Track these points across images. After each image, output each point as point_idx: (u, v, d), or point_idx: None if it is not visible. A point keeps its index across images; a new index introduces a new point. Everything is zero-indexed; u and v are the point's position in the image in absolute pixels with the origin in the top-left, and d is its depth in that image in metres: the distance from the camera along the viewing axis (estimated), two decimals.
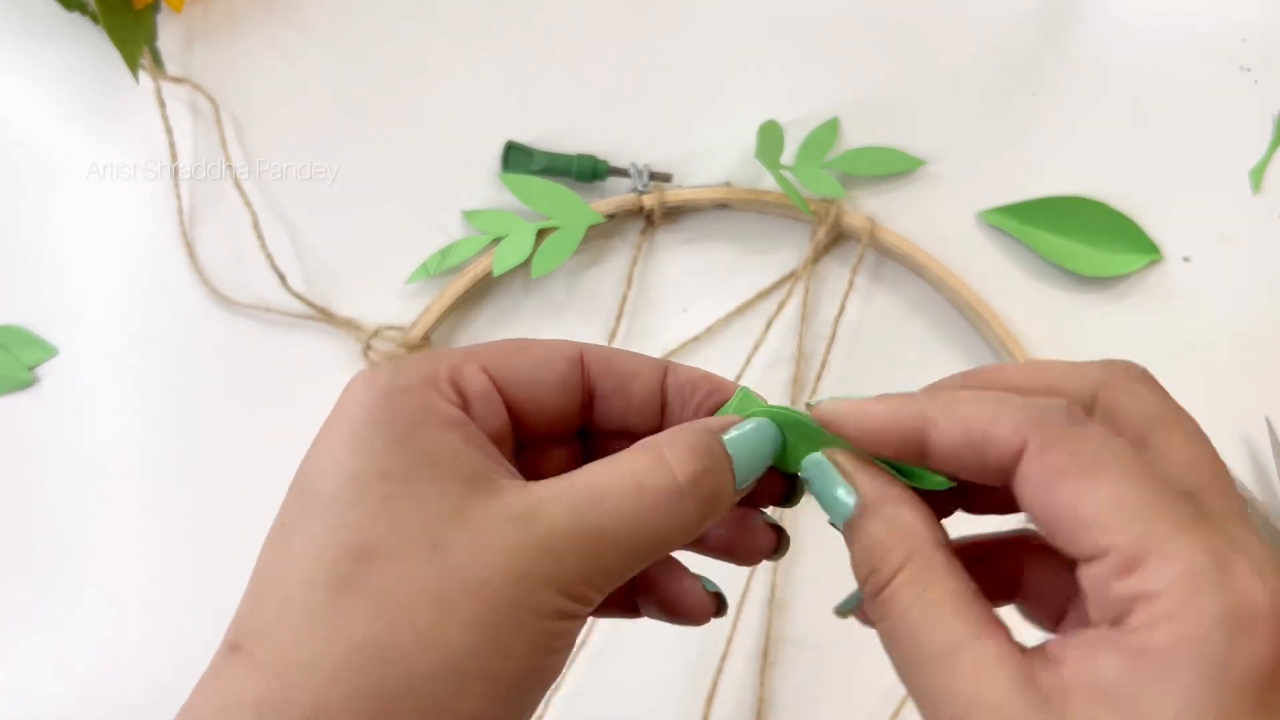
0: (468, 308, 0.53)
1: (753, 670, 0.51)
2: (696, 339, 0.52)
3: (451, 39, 0.56)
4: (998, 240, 0.54)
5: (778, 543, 0.29)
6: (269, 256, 0.52)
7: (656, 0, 0.56)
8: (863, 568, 0.25)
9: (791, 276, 0.53)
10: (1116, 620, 0.22)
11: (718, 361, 0.53)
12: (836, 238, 0.53)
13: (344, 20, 0.56)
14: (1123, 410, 0.25)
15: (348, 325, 0.52)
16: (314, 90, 0.55)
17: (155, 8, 0.52)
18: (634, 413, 0.28)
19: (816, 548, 0.52)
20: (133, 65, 0.50)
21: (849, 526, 0.26)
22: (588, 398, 0.28)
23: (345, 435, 0.25)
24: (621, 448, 0.26)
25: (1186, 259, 0.54)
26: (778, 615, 0.51)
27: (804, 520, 0.52)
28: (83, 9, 0.54)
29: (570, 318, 0.53)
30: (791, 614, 0.51)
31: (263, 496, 0.54)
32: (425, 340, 0.51)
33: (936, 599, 0.23)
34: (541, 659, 0.24)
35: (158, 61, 0.53)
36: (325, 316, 0.52)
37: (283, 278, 0.52)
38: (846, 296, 0.53)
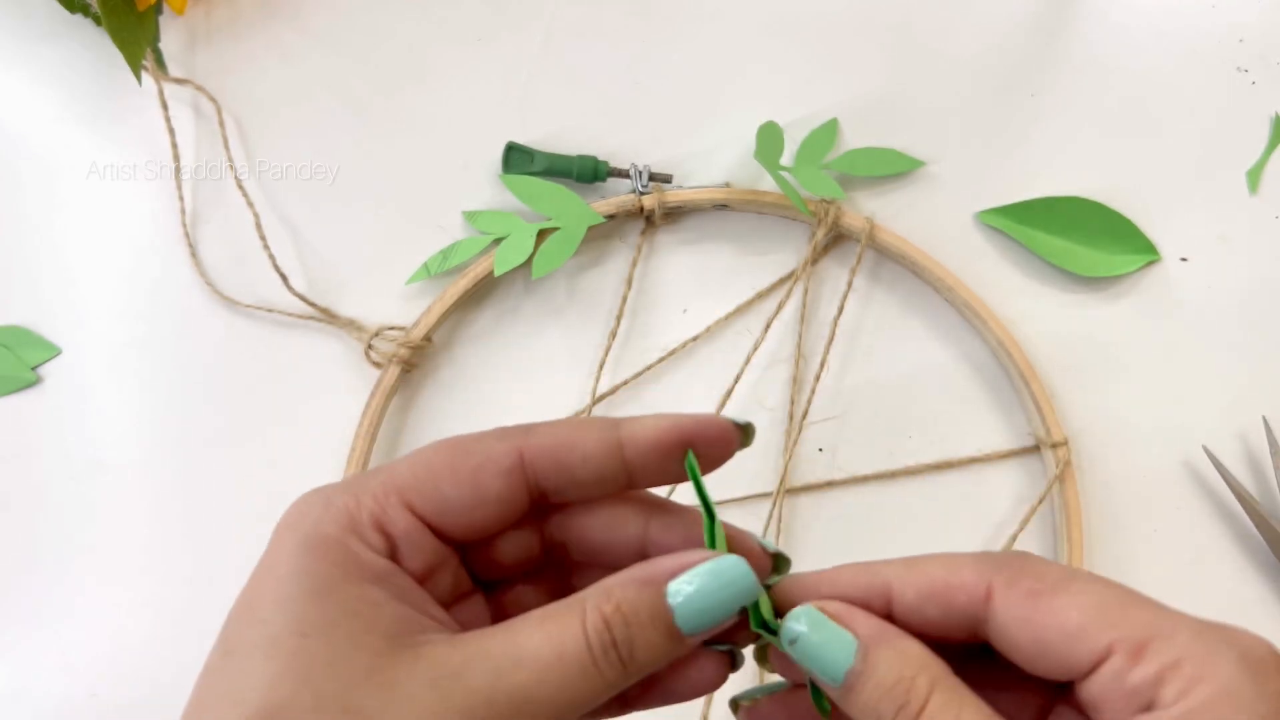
0: (469, 308, 0.54)
1: (751, 668, 0.51)
2: (696, 339, 0.53)
3: (452, 41, 0.56)
4: (996, 240, 0.54)
5: (730, 665, 0.28)
6: (271, 257, 0.53)
7: (657, 1, 0.56)
8: (885, 705, 0.24)
9: (791, 277, 0.53)
10: (1147, 706, 0.23)
11: (717, 362, 0.53)
12: (836, 238, 0.53)
13: (346, 22, 0.56)
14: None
15: (350, 325, 0.52)
16: (316, 91, 0.55)
17: (158, 9, 0.52)
18: (595, 495, 0.27)
19: (816, 549, 0.52)
20: (135, 67, 0.50)
21: (854, 673, 0.24)
22: (537, 494, 0.27)
23: (267, 592, 0.25)
24: (595, 567, 0.26)
25: (1184, 259, 0.54)
26: None
27: (803, 519, 0.52)
28: (85, 11, 0.54)
29: (570, 318, 0.54)
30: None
31: (264, 496, 0.55)
32: (427, 340, 0.52)
33: (973, 716, 0.24)
34: None
35: (160, 63, 0.53)
36: (327, 317, 0.53)
37: (285, 278, 0.52)
38: (845, 297, 0.53)
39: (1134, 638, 0.23)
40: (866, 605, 0.25)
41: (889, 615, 0.25)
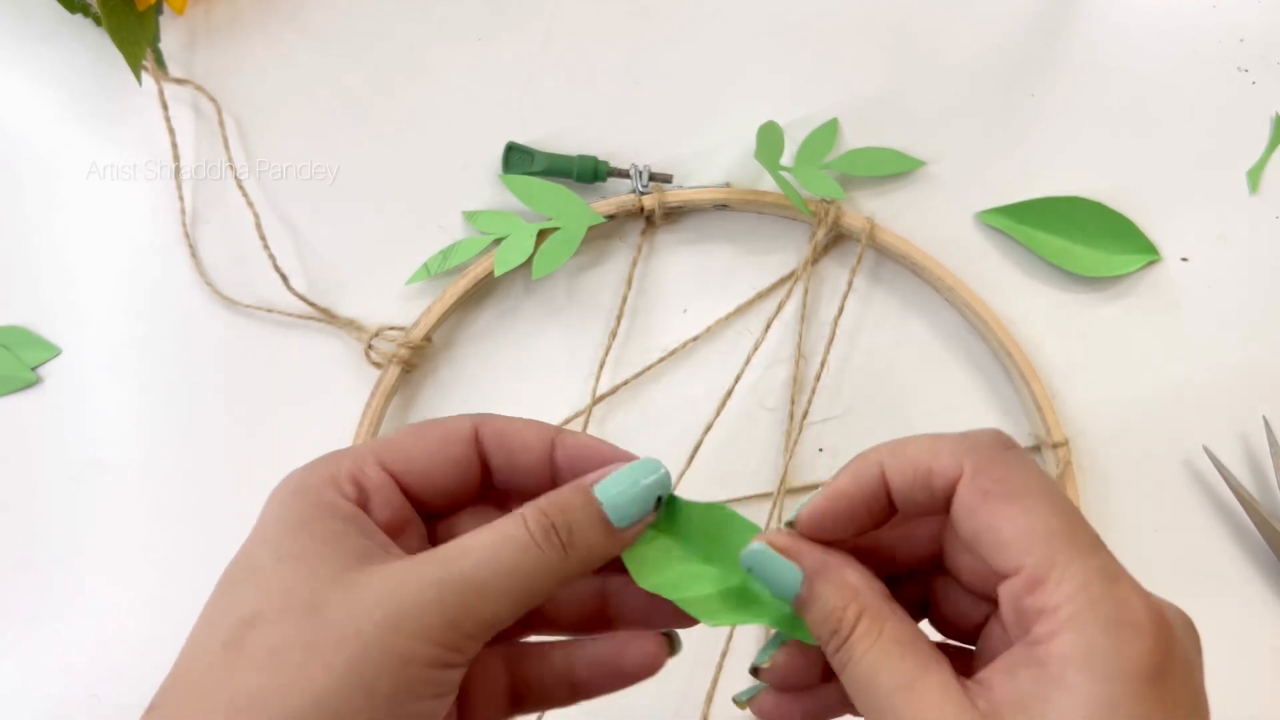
0: (469, 308, 0.54)
1: (746, 667, 0.51)
2: (696, 339, 0.53)
3: (452, 40, 0.56)
4: (996, 240, 0.54)
5: (669, 647, 0.32)
6: (271, 257, 0.53)
7: (657, 2, 0.56)
8: (823, 629, 0.28)
9: (791, 277, 0.53)
10: (1025, 631, 0.26)
11: (717, 362, 0.53)
12: (836, 238, 0.53)
13: (346, 22, 0.56)
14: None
15: (350, 325, 0.52)
16: (316, 91, 0.55)
17: (158, 9, 0.52)
18: (529, 482, 0.31)
19: None
20: (135, 67, 0.50)
21: (800, 600, 0.29)
22: (486, 469, 0.31)
23: (255, 535, 0.29)
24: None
25: (1185, 259, 0.54)
26: None
27: None
28: (85, 11, 0.54)
29: (570, 318, 0.54)
30: None
31: (264, 495, 0.55)
32: (427, 340, 0.52)
33: (887, 646, 0.27)
34: (411, 704, 0.26)
35: (160, 63, 0.53)
36: (327, 317, 0.53)
37: (285, 278, 0.52)
38: (846, 297, 0.53)
39: (1040, 568, 0.25)
40: (871, 494, 0.29)
41: (888, 498, 0.29)
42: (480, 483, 0.31)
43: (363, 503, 0.29)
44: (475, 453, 0.31)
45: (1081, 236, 0.53)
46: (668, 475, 0.31)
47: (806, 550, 0.29)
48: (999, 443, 0.28)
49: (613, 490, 0.30)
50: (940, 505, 0.28)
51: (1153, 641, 0.25)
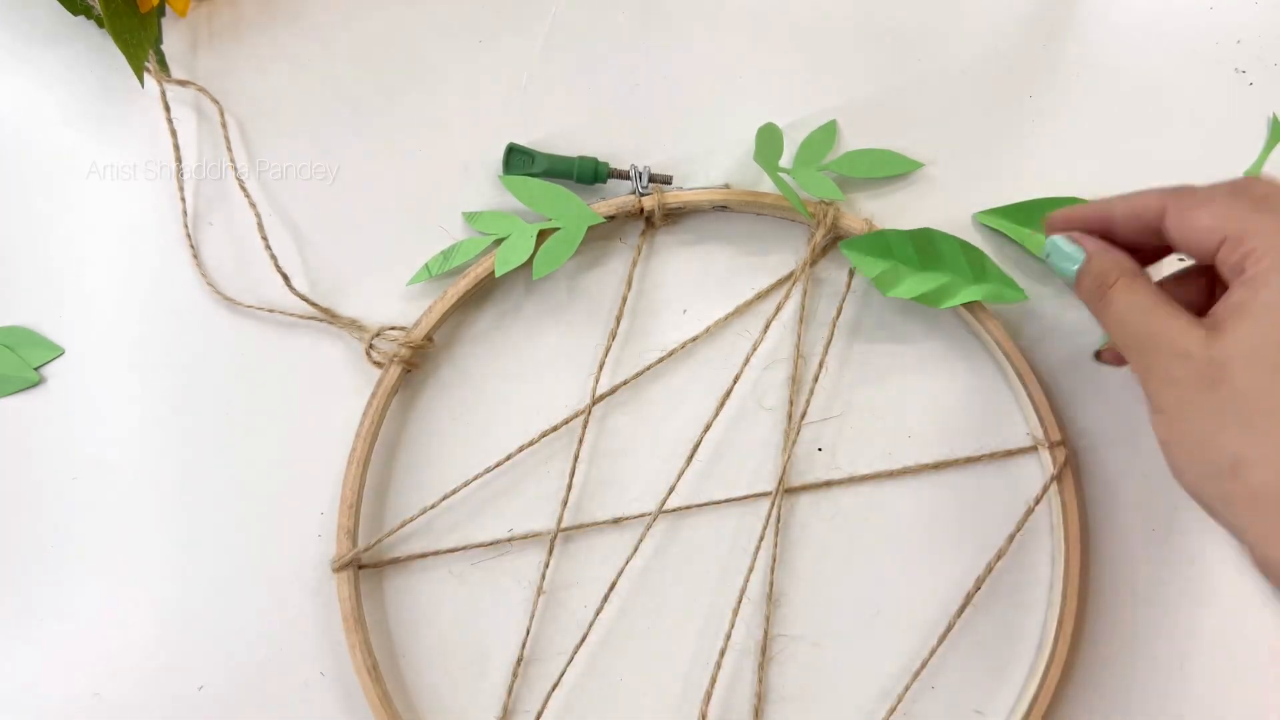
0: (470, 308, 0.54)
1: (751, 666, 0.51)
2: (695, 339, 0.53)
3: (453, 42, 0.56)
4: (995, 241, 0.54)
5: None
6: (273, 257, 0.53)
7: (657, 4, 0.56)
8: (1093, 283, 0.42)
9: (790, 278, 0.54)
10: (1239, 273, 0.38)
11: (716, 362, 0.53)
12: (834, 239, 0.53)
13: (347, 23, 0.56)
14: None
15: (351, 325, 0.53)
16: (317, 92, 0.55)
17: (160, 11, 0.52)
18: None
19: (815, 548, 0.52)
20: (138, 68, 0.51)
21: (1081, 271, 0.43)
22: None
23: None
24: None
25: (1181, 259, 0.54)
26: (775, 611, 0.51)
27: (803, 517, 0.52)
28: (88, 13, 0.55)
29: (570, 318, 0.54)
30: (789, 610, 0.52)
31: (265, 495, 0.55)
32: (428, 340, 0.52)
33: (1137, 289, 0.40)
34: None
35: (162, 65, 0.54)
36: (329, 317, 0.53)
37: (286, 278, 0.52)
38: (844, 298, 0.53)
39: (1237, 233, 0.38)
40: (1100, 222, 0.43)
41: (1111, 227, 0.43)
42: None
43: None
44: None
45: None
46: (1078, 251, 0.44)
47: (1089, 239, 0.43)
48: (1188, 186, 0.41)
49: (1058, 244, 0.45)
50: (1153, 233, 0.41)
51: None
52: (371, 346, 0.52)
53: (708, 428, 0.52)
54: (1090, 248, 0.43)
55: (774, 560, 0.51)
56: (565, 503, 0.51)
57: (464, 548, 0.52)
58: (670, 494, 0.51)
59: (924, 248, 0.51)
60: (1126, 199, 0.42)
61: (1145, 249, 0.43)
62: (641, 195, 0.53)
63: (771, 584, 0.51)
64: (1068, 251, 0.43)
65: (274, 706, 0.51)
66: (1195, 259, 0.40)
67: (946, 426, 0.53)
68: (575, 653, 0.50)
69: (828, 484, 0.52)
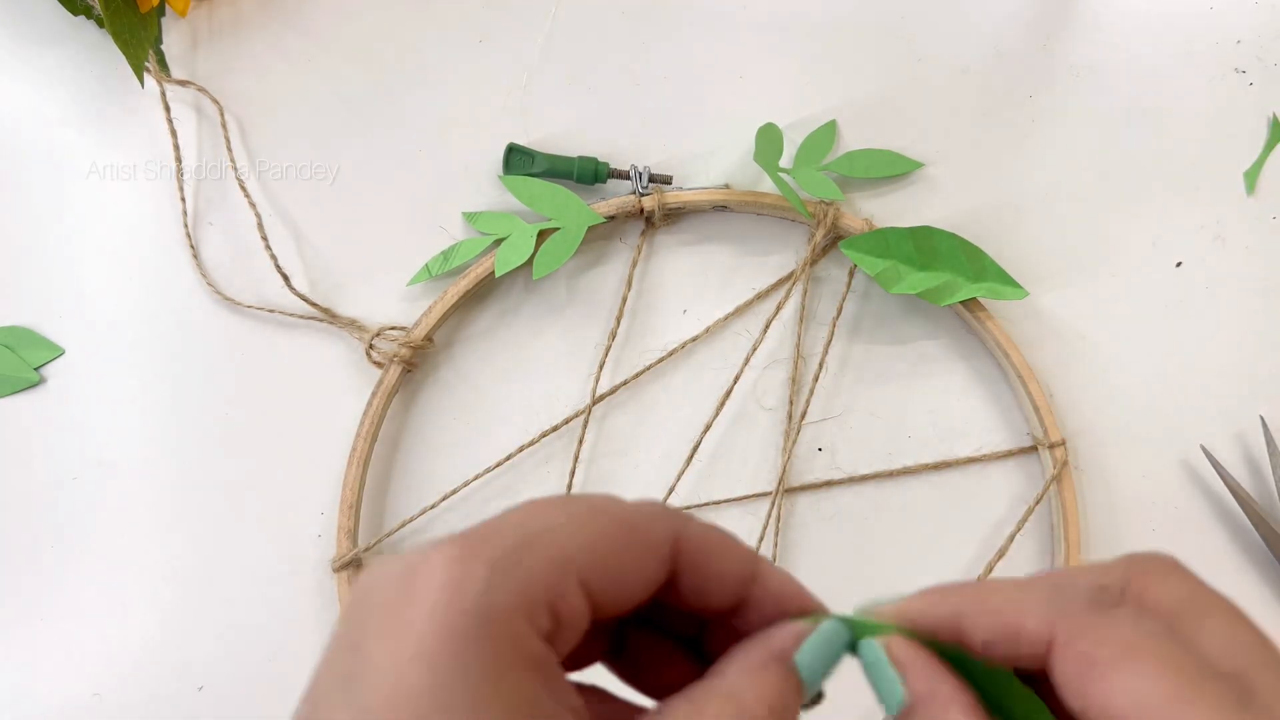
0: (470, 308, 0.54)
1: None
2: (695, 339, 0.53)
3: (453, 42, 0.56)
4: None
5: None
6: (273, 257, 0.53)
7: (657, 3, 0.56)
8: None
9: (790, 277, 0.54)
10: None
11: (716, 362, 0.53)
12: (834, 239, 0.53)
13: (347, 23, 0.56)
14: (1154, 598, 0.24)
15: (351, 325, 0.53)
16: (317, 92, 0.56)
17: (160, 11, 0.52)
18: (709, 606, 0.27)
19: (815, 549, 0.52)
20: (138, 68, 0.51)
21: (903, 715, 0.26)
22: (669, 580, 0.27)
23: (420, 665, 0.21)
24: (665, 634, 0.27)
25: (1179, 264, 0.54)
26: None
27: (803, 517, 0.52)
28: (88, 13, 0.55)
29: (571, 318, 0.54)
30: None
31: (265, 495, 0.55)
32: (428, 340, 0.52)
33: None
34: None
35: (163, 64, 0.54)
36: (329, 317, 0.53)
37: (286, 278, 0.52)
38: (844, 298, 0.53)
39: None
40: (943, 635, 0.26)
41: (964, 644, 0.25)
42: (653, 595, 0.26)
43: (553, 636, 0.23)
44: (667, 569, 0.26)
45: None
46: (848, 640, 0.27)
47: (919, 668, 0.26)
48: (1093, 603, 0.24)
49: (815, 662, 0.26)
50: (1032, 665, 0.24)
51: None
52: (371, 346, 0.52)
53: (708, 428, 0.52)
54: (916, 689, 0.26)
55: (774, 560, 0.51)
56: None
57: None
58: (670, 494, 0.51)
59: (924, 246, 0.51)
60: (985, 606, 0.25)
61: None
62: (641, 195, 0.53)
63: None
64: (885, 678, 0.27)
65: (274, 706, 0.51)
66: None
67: (946, 426, 0.53)
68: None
69: (828, 484, 0.52)
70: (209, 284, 0.54)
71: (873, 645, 0.26)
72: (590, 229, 0.52)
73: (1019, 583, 0.25)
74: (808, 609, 0.27)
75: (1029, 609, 0.24)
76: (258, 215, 0.53)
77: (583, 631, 0.24)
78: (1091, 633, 0.23)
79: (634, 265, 0.54)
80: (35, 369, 0.53)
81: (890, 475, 0.52)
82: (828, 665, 0.26)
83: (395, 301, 0.54)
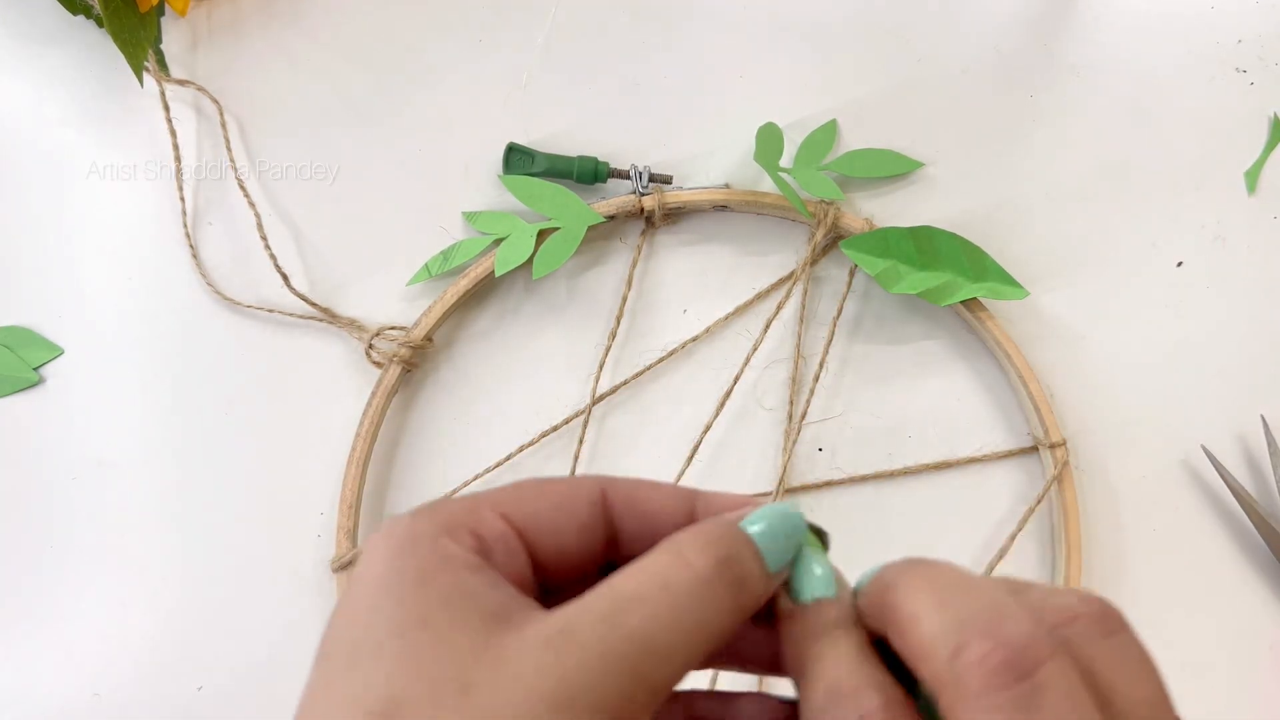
0: (469, 308, 0.54)
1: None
2: (695, 339, 0.53)
3: (453, 41, 0.56)
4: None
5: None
6: (272, 257, 0.53)
7: (657, 3, 0.56)
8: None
9: (790, 277, 0.53)
10: None
11: (716, 362, 0.53)
12: (835, 239, 0.53)
13: (347, 23, 0.56)
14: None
15: (351, 325, 0.53)
16: (317, 92, 0.55)
17: (159, 11, 0.52)
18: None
19: None
20: (137, 68, 0.51)
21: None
22: (612, 536, 0.27)
23: (363, 595, 0.24)
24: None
25: (1180, 263, 0.54)
26: None
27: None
28: (88, 13, 0.55)
29: (571, 318, 0.54)
30: None
31: (265, 495, 0.55)
32: (428, 340, 0.52)
33: None
34: None
35: (162, 64, 0.54)
36: (328, 317, 0.53)
37: (286, 278, 0.52)
38: (845, 298, 0.53)
39: None
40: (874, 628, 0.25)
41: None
42: (604, 554, 0.27)
43: (484, 554, 0.25)
44: (602, 517, 0.27)
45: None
46: (804, 523, 0.27)
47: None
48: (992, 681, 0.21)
49: (761, 525, 0.26)
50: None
51: None
52: (371, 346, 0.52)
53: (708, 428, 0.52)
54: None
55: None
56: None
57: None
58: None
59: (924, 246, 0.51)
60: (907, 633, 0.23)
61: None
62: (642, 195, 0.53)
63: None
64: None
65: (274, 706, 0.51)
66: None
67: (947, 426, 0.53)
68: None
69: (828, 484, 0.52)
70: (208, 284, 0.54)
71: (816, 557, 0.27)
72: (590, 229, 0.52)
73: (936, 612, 0.23)
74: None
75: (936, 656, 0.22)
76: (257, 215, 0.53)
77: (523, 562, 0.25)
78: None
79: (634, 265, 0.54)
80: (34, 369, 0.53)
81: (890, 475, 0.52)
82: (784, 536, 0.26)
83: (395, 301, 0.53)
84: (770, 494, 0.52)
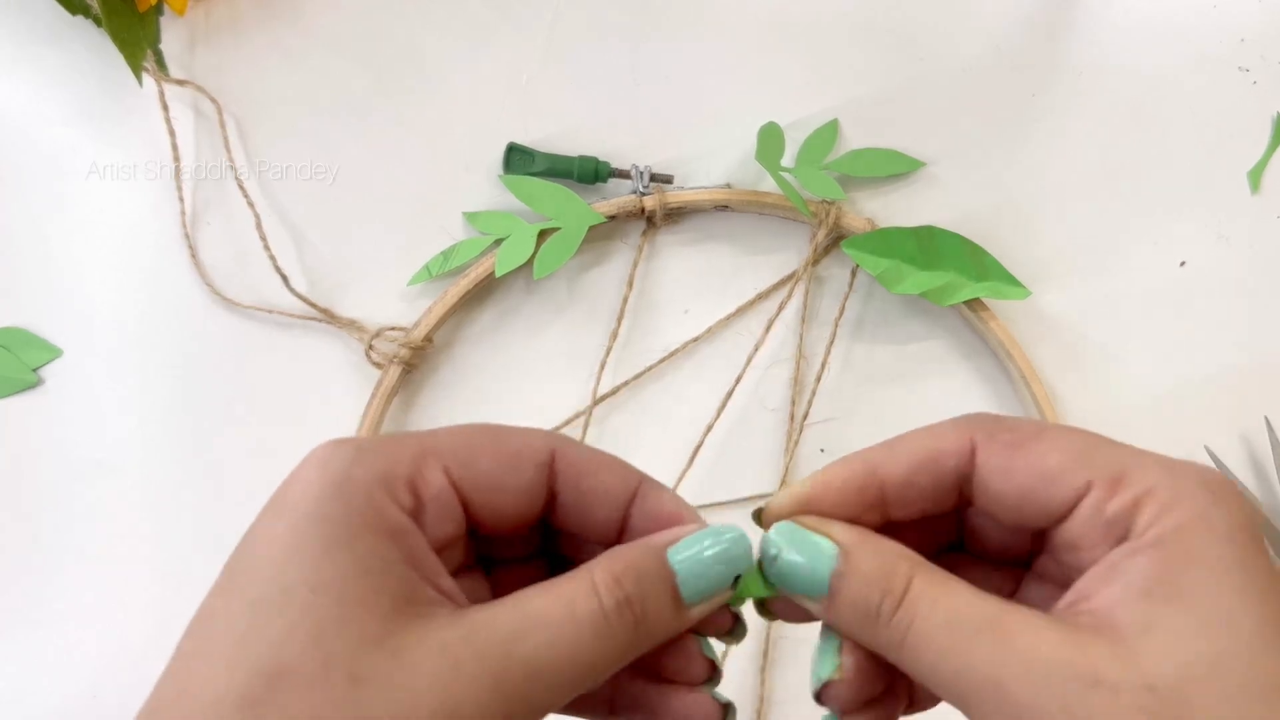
0: (470, 308, 0.54)
1: (753, 669, 0.51)
2: (697, 340, 0.53)
3: (453, 41, 0.56)
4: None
5: (710, 674, 0.27)
6: (272, 257, 0.53)
7: (658, 2, 0.56)
8: (870, 595, 0.24)
9: (792, 277, 0.53)
10: (1122, 537, 0.24)
11: (718, 362, 0.53)
12: (836, 239, 0.53)
13: (346, 22, 0.56)
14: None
15: (351, 326, 0.52)
16: (316, 92, 0.55)
17: (158, 10, 0.52)
18: (594, 528, 0.27)
19: None
20: (136, 68, 0.50)
21: (838, 575, 0.25)
22: (551, 500, 0.27)
23: (284, 530, 0.24)
24: (582, 552, 0.27)
25: (1183, 263, 0.54)
26: None
27: None
28: (86, 12, 0.54)
29: (572, 318, 0.54)
30: None
31: (264, 496, 0.55)
32: (428, 341, 0.52)
33: (959, 588, 0.24)
34: None
35: (161, 64, 0.53)
36: (328, 317, 0.53)
37: (285, 278, 0.52)
38: (846, 297, 0.53)
39: (1109, 473, 0.24)
40: (860, 495, 0.26)
41: (883, 496, 0.26)
42: (541, 512, 0.27)
43: (417, 513, 0.25)
44: (545, 481, 0.27)
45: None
46: (749, 553, 0.26)
47: (838, 524, 0.26)
48: (991, 415, 0.26)
49: (687, 555, 0.25)
50: (946, 490, 0.26)
51: (1241, 500, 0.24)
52: (371, 347, 0.52)
53: (709, 429, 0.52)
54: (844, 539, 0.25)
55: None
56: None
57: None
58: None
59: (926, 246, 0.51)
60: (897, 449, 0.26)
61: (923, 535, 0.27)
62: (642, 195, 0.53)
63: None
64: (807, 549, 0.25)
65: None
66: (1024, 522, 0.25)
67: None
68: None
69: None
70: (208, 285, 0.53)
71: (785, 524, 0.26)
72: (591, 229, 0.52)
73: (924, 427, 0.26)
74: (691, 520, 0.27)
75: (943, 434, 0.26)
76: (256, 215, 0.53)
77: (457, 523, 0.25)
78: (1005, 430, 0.25)
79: (635, 265, 0.53)
80: (33, 370, 0.53)
81: None
82: (711, 572, 0.25)
83: (395, 302, 0.53)
84: (771, 495, 0.51)
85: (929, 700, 0.27)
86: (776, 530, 0.26)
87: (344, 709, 0.21)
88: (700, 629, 0.27)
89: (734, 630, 0.28)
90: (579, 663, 0.23)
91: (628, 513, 0.27)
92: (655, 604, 0.25)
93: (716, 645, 0.28)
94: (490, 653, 0.23)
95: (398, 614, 0.23)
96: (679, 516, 0.27)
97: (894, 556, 0.25)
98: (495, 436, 0.26)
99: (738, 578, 0.26)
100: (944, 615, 0.23)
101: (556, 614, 0.24)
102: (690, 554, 0.25)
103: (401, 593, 0.23)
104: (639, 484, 0.27)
